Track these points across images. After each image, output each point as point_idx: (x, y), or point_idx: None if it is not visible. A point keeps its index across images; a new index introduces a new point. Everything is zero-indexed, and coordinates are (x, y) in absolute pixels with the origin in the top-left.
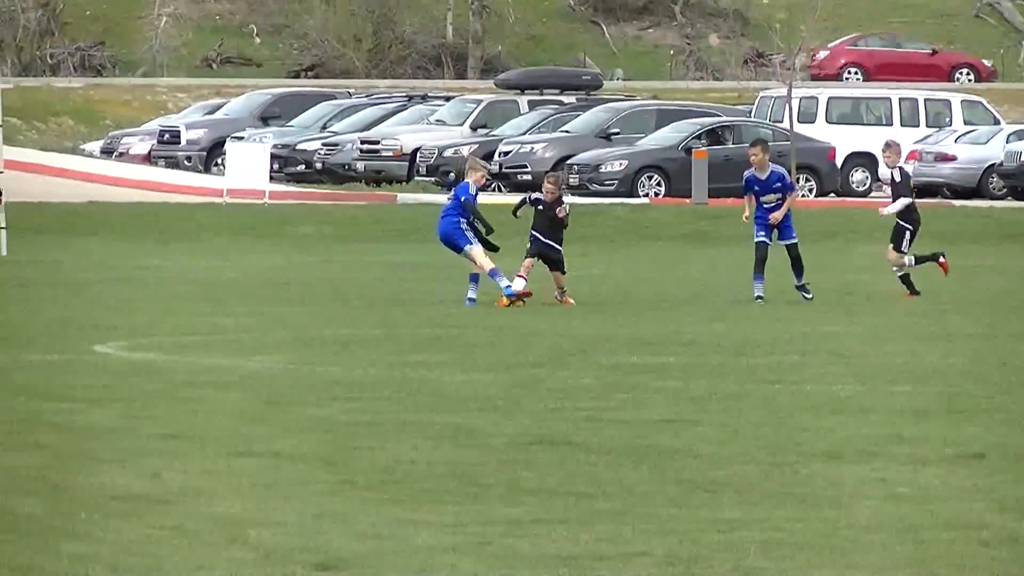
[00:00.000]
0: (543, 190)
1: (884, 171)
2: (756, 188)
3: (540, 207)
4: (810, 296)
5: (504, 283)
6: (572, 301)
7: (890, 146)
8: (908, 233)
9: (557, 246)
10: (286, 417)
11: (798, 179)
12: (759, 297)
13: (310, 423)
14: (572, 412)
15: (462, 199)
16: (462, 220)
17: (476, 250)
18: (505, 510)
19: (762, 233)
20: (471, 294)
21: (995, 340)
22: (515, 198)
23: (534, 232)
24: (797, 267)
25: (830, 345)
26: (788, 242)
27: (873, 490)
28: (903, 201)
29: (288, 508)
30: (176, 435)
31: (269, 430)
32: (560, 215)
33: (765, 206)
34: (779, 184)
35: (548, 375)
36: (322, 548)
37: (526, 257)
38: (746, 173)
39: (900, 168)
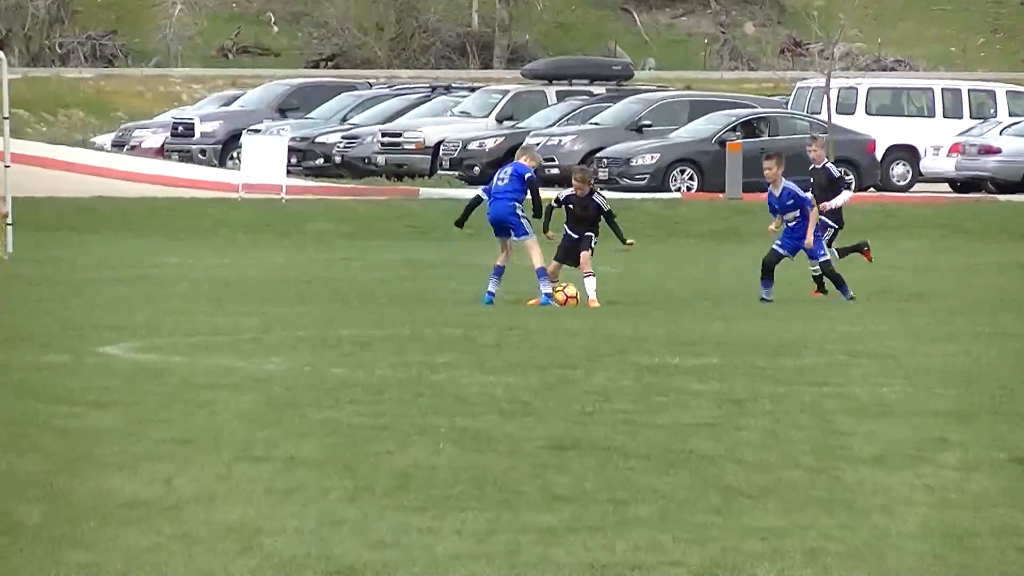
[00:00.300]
0: (573, 187)
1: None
2: (775, 205)
3: (571, 205)
4: (851, 298)
5: (547, 289)
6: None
7: (816, 139)
8: (832, 231)
9: (590, 234)
10: (302, 420)
11: None
12: (765, 300)
13: (327, 427)
14: (608, 415)
15: (525, 176)
16: (518, 205)
17: (533, 243)
18: (537, 517)
19: (779, 242)
20: (491, 288)
21: None
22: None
23: (566, 228)
24: (839, 286)
25: (877, 345)
26: (819, 262)
27: (921, 496)
28: (847, 195)
29: (303, 515)
30: (186, 439)
31: (284, 434)
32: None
33: (788, 224)
34: (792, 202)
35: (583, 377)
36: (338, 557)
37: (553, 260)
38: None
39: (826, 164)
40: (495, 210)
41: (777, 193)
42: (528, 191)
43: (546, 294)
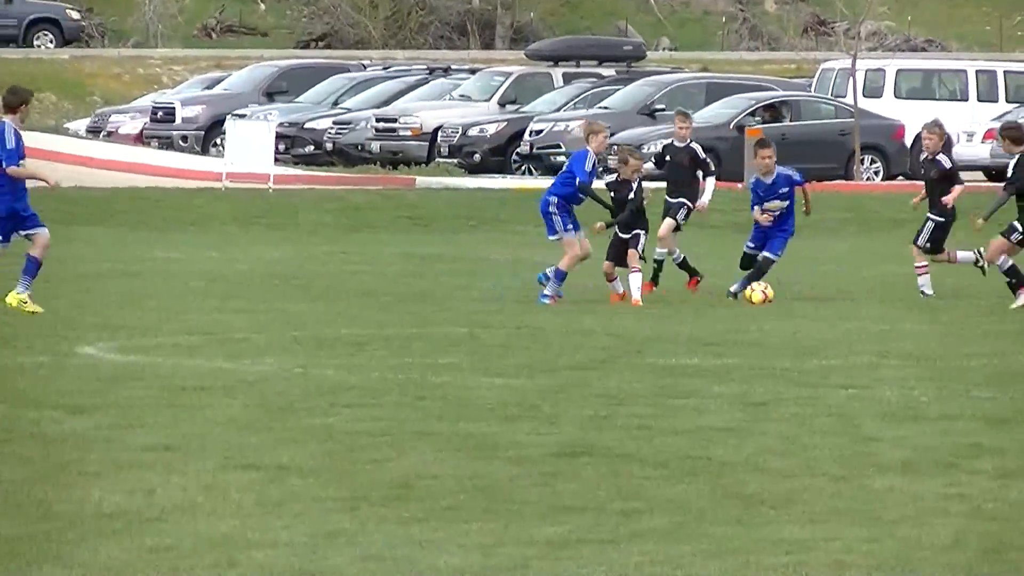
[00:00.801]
0: (619, 169)
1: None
2: (761, 195)
3: (615, 192)
4: (735, 297)
5: (548, 291)
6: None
7: (686, 116)
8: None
9: (639, 232)
10: (294, 426)
11: (862, 160)
12: (732, 293)
13: (321, 433)
14: (622, 420)
15: (579, 181)
16: (556, 200)
17: (566, 242)
18: (546, 529)
19: (752, 244)
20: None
21: None
22: (546, 182)
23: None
24: (753, 277)
25: (908, 345)
26: (769, 254)
27: (954, 506)
28: (710, 182)
29: (295, 527)
30: (171, 446)
31: (276, 440)
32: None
33: (774, 215)
34: (785, 190)
35: (596, 379)
36: (332, 572)
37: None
38: (752, 179)
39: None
40: (541, 202)
41: (770, 181)
42: (571, 196)
43: (543, 296)
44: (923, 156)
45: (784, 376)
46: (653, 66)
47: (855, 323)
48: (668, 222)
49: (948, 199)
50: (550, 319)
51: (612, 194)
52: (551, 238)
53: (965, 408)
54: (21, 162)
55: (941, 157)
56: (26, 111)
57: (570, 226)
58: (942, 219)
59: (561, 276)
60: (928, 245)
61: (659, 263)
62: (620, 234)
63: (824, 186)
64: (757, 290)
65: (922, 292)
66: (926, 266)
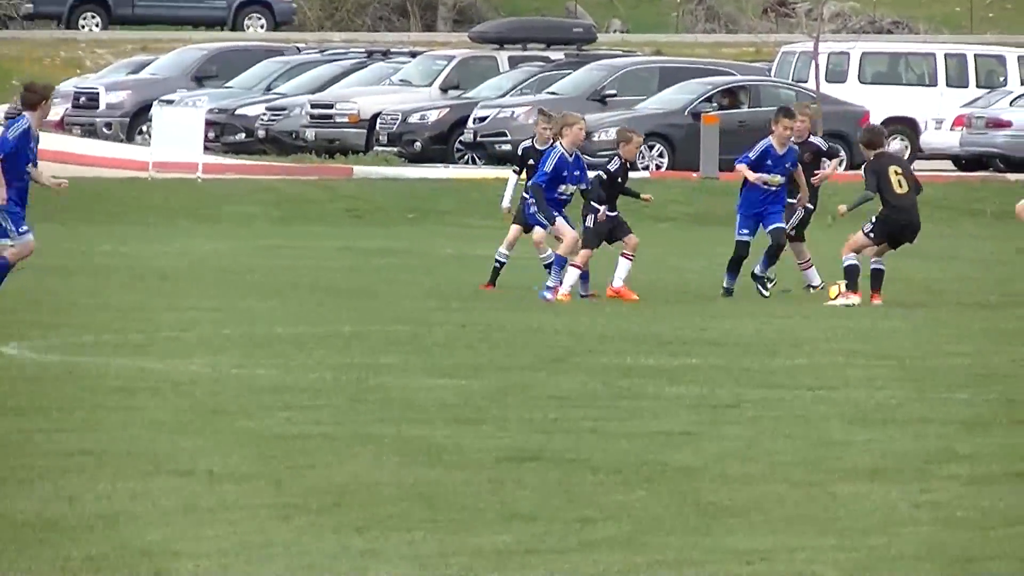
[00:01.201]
0: (623, 151)
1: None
2: (768, 163)
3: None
4: (767, 294)
5: (550, 282)
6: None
7: (546, 115)
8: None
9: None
10: (226, 429)
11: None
12: (728, 290)
13: (256, 436)
14: (574, 423)
15: (530, 183)
16: (530, 200)
17: (562, 225)
18: (493, 539)
19: (746, 231)
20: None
21: None
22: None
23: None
24: (772, 253)
25: (878, 344)
26: (776, 227)
27: (925, 514)
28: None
29: (228, 537)
30: (95, 451)
31: (207, 445)
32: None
33: (772, 189)
34: (790, 164)
35: (547, 380)
36: None
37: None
38: (764, 142)
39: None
40: None
41: (783, 151)
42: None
43: (545, 289)
44: (794, 140)
45: (747, 377)
46: (604, 49)
47: (822, 320)
48: (540, 230)
49: (818, 177)
50: (498, 317)
51: (619, 180)
52: (547, 232)
53: (938, 411)
54: (28, 165)
55: (814, 138)
56: (47, 107)
57: (555, 213)
58: (813, 207)
59: (562, 263)
60: (793, 232)
61: (501, 264)
62: (607, 213)
63: None
64: (835, 287)
65: (809, 287)
66: (809, 260)
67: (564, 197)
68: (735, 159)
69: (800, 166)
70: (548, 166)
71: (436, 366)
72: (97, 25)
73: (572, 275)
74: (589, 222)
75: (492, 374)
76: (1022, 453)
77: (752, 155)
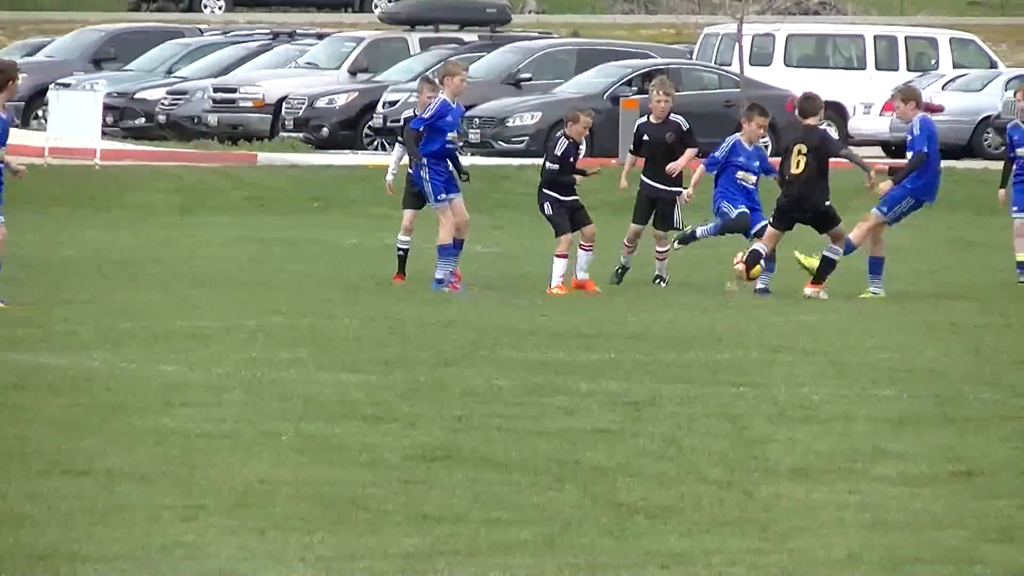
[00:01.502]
0: (569, 131)
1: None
2: (741, 160)
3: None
4: (678, 247)
5: (438, 274)
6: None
7: (429, 82)
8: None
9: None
10: (125, 427)
11: None
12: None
13: (156, 435)
14: (484, 420)
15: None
16: (427, 160)
17: (442, 207)
18: (401, 540)
19: (741, 204)
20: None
21: (1006, 332)
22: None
23: (551, 194)
24: (723, 229)
25: (806, 339)
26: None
27: (852, 516)
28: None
29: (128, 539)
30: None
31: (106, 443)
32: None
33: (749, 187)
34: (757, 163)
35: (456, 376)
36: None
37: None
38: (731, 139)
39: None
40: None
41: (751, 148)
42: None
43: (436, 279)
44: (651, 120)
45: (665, 372)
46: (519, 31)
47: (745, 314)
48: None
49: (673, 166)
50: (407, 310)
51: (571, 161)
52: (431, 207)
53: (864, 408)
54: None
55: (675, 117)
56: (14, 88)
57: (443, 195)
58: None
59: (446, 252)
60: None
61: (404, 251)
62: (561, 198)
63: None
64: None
65: (659, 278)
66: (667, 251)
67: (451, 146)
68: (703, 162)
69: (665, 147)
70: (427, 113)
71: (342, 361)
72: None
73: (560, 265)
74: (547, 210)
75: (400, 370)
76: (952, 452)
77: (719, 154)
